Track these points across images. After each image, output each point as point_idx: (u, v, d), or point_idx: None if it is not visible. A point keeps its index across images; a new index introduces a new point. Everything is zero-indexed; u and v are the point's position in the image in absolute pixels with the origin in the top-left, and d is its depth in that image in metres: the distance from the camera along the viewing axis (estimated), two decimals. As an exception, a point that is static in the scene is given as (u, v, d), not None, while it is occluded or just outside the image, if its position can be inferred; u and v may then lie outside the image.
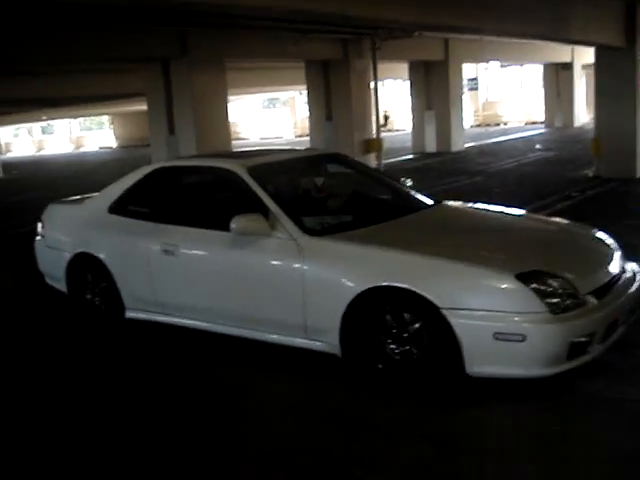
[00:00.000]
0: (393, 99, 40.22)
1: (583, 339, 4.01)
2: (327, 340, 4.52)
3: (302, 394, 4.42)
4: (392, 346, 4.26)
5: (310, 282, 4.52)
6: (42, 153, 53.12)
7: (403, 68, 23.57)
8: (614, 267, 4.57)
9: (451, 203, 5.77)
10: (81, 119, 55.78)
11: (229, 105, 34.64)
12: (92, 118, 55.20)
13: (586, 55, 22.75)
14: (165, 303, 5.44)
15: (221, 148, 13.10)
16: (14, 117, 35.25)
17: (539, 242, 4.78)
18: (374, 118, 18.69)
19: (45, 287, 6.68)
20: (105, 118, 54.27)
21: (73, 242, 6.11)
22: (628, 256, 6.94)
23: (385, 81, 38.04)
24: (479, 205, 5.87)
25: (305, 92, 20.24)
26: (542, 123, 31.68)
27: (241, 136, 45.97)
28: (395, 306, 4.22)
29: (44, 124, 57.27)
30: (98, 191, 6.36)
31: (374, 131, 18.69)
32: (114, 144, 50.48)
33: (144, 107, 16.60)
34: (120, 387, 4.78)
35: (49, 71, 17.86)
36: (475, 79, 36.79)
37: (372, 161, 18.49)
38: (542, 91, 31.61)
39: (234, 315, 5.02)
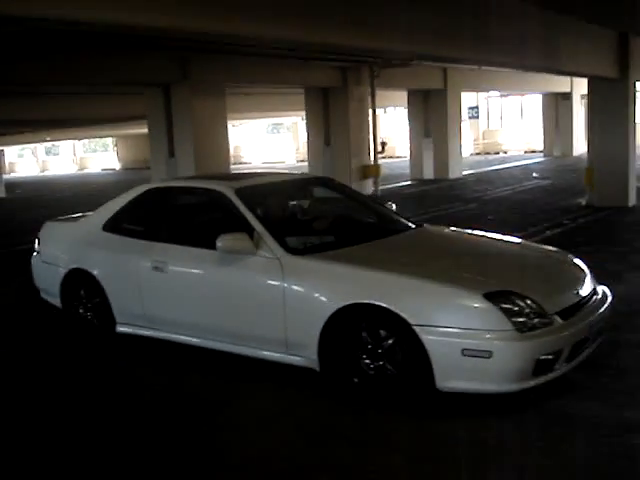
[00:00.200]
0: (394, 126, 40.58)
1: (549, 357, 4.19)
2: (306, 355, 4.70)
3: (281, 406, 4.60)
4: (367, 361, 4.44)
5: (291, 299, 4.72)
6: (45, 174, 53.55)
7: (403, 96, 23.90)
8: (584, 289, 4.75)
9: (431, 227, 5.98)
10: (85, 141, 56.22)
11: (233, 129, 34.84)
12: (97, 140, 55.64)
13: (585, 85, 23.00)
14: (154, 318, 5.63)
15: (219, 171, 13.36)
16: (19, 137, 35.63)
17: (510, 264, 4.98)
18: (372, 144, 18.96)
19: (41, 302, 6.88)
20: (110, 140, 54.69)
21: (68, 258, 6.32)
22: (609, 281, 7.17)
23: (387, 108, 38.59)
24: (458, 229, 6.08)
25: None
26: (541, 152, 31.98)
27: (243, 160, 46.39)
28: (370, 323, 4.41)
29: (48, 145, 57.75)
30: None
31: (372, 157, 18.96)
32: (117, 166, 50.87)
33: (147, 130, 16.92)
34: (102, 399, 4.96)
35: (53, 93, 18.16)
36: (476, 107, 37.17)
37: (369, 187, 18.78)
38: (541, 120, 31.93)
39: (219, 330, 5.21)
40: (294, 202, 5.93)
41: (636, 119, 14.59)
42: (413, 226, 5.80)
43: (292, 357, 4.82)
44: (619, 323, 5.95)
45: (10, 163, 58.57)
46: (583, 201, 14.71)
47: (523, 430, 4.05)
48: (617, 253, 9.17)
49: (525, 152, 35.57)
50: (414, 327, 4.19)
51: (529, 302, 4.24)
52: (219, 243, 4.92)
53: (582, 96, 28.86)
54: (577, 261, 5.23)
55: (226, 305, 5.16)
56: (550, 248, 5.65)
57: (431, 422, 4.20)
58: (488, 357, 4.07)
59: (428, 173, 22.94)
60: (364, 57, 16.13)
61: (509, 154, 36.04)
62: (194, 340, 5.40)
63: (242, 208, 5.15)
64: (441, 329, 4.16)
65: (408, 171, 24.16)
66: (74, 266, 6.19)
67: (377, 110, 34.20)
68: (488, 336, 4.09)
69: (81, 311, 6.21)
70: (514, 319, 4.13)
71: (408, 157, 24.59)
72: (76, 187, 30.69)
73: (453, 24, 9.18)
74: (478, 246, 5.56)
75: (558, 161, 27.67)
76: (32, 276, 6.95)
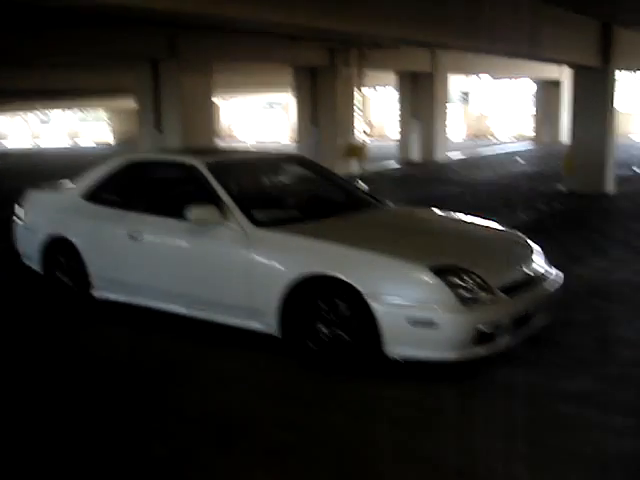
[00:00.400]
0: (384, 106, 40.68)
1: (490, 329, 4.49)
2: (268, 322, 4.99)
3: (243, 369, 4.91)
4: (323, 328, 4.73)
5: (254, 268, 5.01)
6: (37, 143, 53.28)
7: (392, 76, 24.06)
8: (531, 269, 5.05)
9: (395, 205, 6.27)
10: (77, 111, 56.01)
11: (227, 106, 35.01)
12: (89, 110, 55.45)
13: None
14: (128, 284, 5.91)
15: (205, 145, 13.58)
16: (11, 106, 35.63)
17: (461, 242, 5.27)
18: (359, 125, 19.20)
19: (22, 266, 7.15)
20: (102, 112, 54.51)
21: (48, 225, 6.58)
22: (571, 264, 7.53)
23: (378, 88, 38.66)
24: (421, 209, 6.38)
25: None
26: (530, 138, 32.26)
27: (235, 137, 46.40)
28: (326, 292, 4.70)
29: (42, 115, 57.59)
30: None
31: (358, 137, 19.20)
32: (111, 140, 50.74)
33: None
34: (73, 355, 5.26)
35: (42, 64, 18.29)
36: (467, 92, 37.35)
37: (354, 166, 19.02)
38: (531, 107, 32.18)
39: (189, 297, 5.50)
40: (265, 178, 6.18)
41: (617, 108, 14.87)
42: (378, 204, 6.09)
43: (255, 323, 5.11)
44: (573, 303, 6.29)
45: (0, 132, 58.41)
46: (563, 188, 15.00)
47: (461, 396, 4.36)
48: (585, 238, 9.49)
49: (515, 138, 35.85)
50: (365, 297, 4.48)
51: (474, 277, 4.54)
52: (189, 214, 5.20)
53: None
54: (529, 243, 5.53)
55: (195, 273, 5.44)
56: (505, 229, 5.94)
57: (378, 386, 4.51)
58: (432, 327, 4.37)
59: (414, 155, 23.19)
60: (351, 39, 16.31)
61: (498, 139, 36.32)
62: (166, 305, 5.68)
63: (212, 181, 5.42)
64: (390, 299, 4.45)
65: (395, 152, 24.42)
66: (54, 233, 6.45)
67: (367, 89, 34.38)
68: (432, 307, 4.39)
69: (60, 276, 6.48)
70: (458, 292, 4.42)
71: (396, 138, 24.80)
72: (69, 158, 30.74)
73: (438, 10, 9.41)
74: (434, 224, 5.86)
75: (546, 148, 27.93)
76: (14, 241, 7.21)
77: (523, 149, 28.02)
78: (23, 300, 6.87)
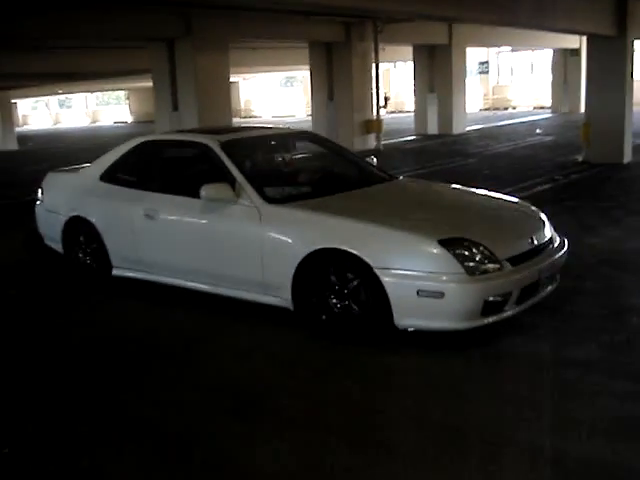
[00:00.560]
0: (404, 81, 40.51)
1: (498, 299, 4.60)
2: (282, 295, 5.13)
3: (257, 341, 5.06)
4: (334, 301, 4.86)
5: (267, 244, 5.14)
6: (58, 126, 53.91)
7: (410, 51, 23.96)
8: (538, 239, 5.13)
9: (406, 180, 6.35)
10: (99, 94, 56.45)
11: (245, 83, 35.15)
12: (110, 93, 55.85)
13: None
14: (146, 262, 6.08)
15: (221, 124, 13.69)
16: (30, 90, 35.92)
17: (470, 214, 5.36)
18: (375, 99, 19.19)
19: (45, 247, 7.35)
20: (122, 93, 54.87)
21: (68, 206, 6.75)
22: (583, 234, 7.59)
23: (397, 63, 38.49)
24: (432, 182, 6.46)
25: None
26: (549, 108, 31.99)
27: (254, 114, 46.54)
28: (337, 266, 4.82)
29: (62, 98, 58.05)
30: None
31: (375, 112, 19.20)
32: (129, 119, 51.15)
33: (153, 83, 17.20)
34: (96, 329, 5.44)
35: (60, 47, 18.45)
36: (486, 62, 37.08)
37: (371, 141, 19.06)
38: (550, 76, 31.86)
39: (205, 273, 5.65)
40: (277, 155, 6.29)
41: (634, 77, 14.74)
42: (388, 178, 6.18)
43: (269, 297, 5.26)
44: (583, 273, 6.38)
45: (23, 116, 58.99)
46: (580, 158, 14.95)
47: (468, 364, 4.48)
48: (599, 208, 9.51)
49: (534, 108, 35.57)
50: (375, 270, 4.60)
51: (481, 248, 4.63)
52: (203, 192, 5.33)
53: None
54: (536, 213, 5.60)
55: (210, 250, 5.59)
56: (514, 200, 6.00)
57: (387, 355, 4.64)
58: (440, 297, 4.48)
59: (432, 128, 23.16)
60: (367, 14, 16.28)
61: (518, 110, 36.07)
62: (182, 282, 5.85)
63: (226, 160, 5.55)
64: (399, 272, 4.56)
65: (413, 126, 24.39)
66: (74, 214, 6.63)
67: (387, 64, 34.18)
68: (441, 278, 4.50)
69: (80, 255, 6.66)
70: (466, 263, 4.53)
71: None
72: (87, 140, 31.08)
73: None
74: (444, 197, 5.95)
75: (564, 117, 27.71)
76: (36, 223, 7.41)
77: (542, 119, 27.82)
78: (46, 280, 7.06)
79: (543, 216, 5.57)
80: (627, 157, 14.43)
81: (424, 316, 4.60)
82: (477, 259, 4.60)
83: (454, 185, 6.37)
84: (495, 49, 36.76)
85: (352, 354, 4.69)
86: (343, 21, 17.71)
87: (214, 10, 13.46)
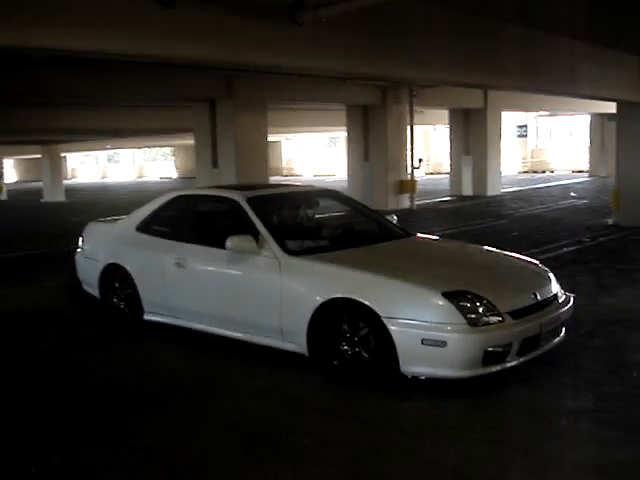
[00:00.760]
0: (443, 144, 41.06)
1: (498, 349, 4.88)
2: (298, 342, 5.47)
3: (274, 383, 5.39)
4: (345, 347, 5.18)
5: (286, 293, 5.51)
6: (105, 180, 55.54)
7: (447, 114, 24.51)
8: (542, 294, 5.40)
9: (422, 236, 6.71)
10: (146, 150, 58.18)
11: (287, 142, 36.12)
12: (157, 149, 57.53)
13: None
14: (175, 308, 6.49)
15: (259, 181, 14.24)
16: (81, 145, 37.33)
17: (476, 270, 5.67)
18: (409, 161, 19.69)
19: (83, 293, 7.84)
20: (169, 150, 56.49)
21: (106, 254, 7.24)
22: (601, 294, 7.81)
23: (437, 126, 39.12)
24: (447, 239, 6.81)
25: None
26: (587, 171, 32.15)
27: (295, 172, 47.44)
28: (349, 315, 5.16)
29: (110, 153, 59.95)
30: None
31: (409, 173, 19.68)
32: (174, 175, 52.49)
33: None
34: (124, 369, 5.83)
35: (111, 105, 19.41)
36: (524, 126, 37.42)
37: (406, 201, 19.47)
38: (588, 140, 32.13)
39: (228, 319, 6.03)
40: (300, 211, 6.71)
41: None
42: (405, 235, 6.55)
43: (287, 344, 5.60)
44: (594, 330, 6.61)
45: (72, 169, 60.94)
46: (610, 221, 15.11)
47: (470, 411, 4.74)
48: (621, 270, 9.68)
49: (572, 172, 35.72)
50: (383, 319, 4.92)
51: (484, 301, 4.93)
52: (228, 243, 5.75)
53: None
54: (543, 270, 5.89)
55: (234, 298, 5.98)
56: (522, 258, 6.29)
57: (394, 400, 4.93)
58: (443, 346, 4.77)
59: (467, 190, 23.51)
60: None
61: (556, 173, 36.25)
62: (207, 328, 6.23)
63: (251, 214, 5.98)
64: (406, 321, 4.88)
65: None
66: (111, 261, 7.10)
67: (426, 127, 34.75)
68: (444, 328, 4.80)
69: (115, 300, 7.11)
70: (468, 315, 4.83)
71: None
72: (131, 194, 32.07)
73: (487, 56, 9.97)
74: (454, 254, 6.29)
75: (601, 181, 27.84)
76: (76, 270, 7.90)
77: (578, 183, 27.99)
78: (84, 322, 7.51)
79: (550, 274, 5.84)
80: (656, 221, 14.55)
81: (428, 364, 4.88)
82: (479, 311, 4.89)
83: (466, 244, 6.69)
84: (534, 113, 37.15)
85: (360, 398, 4.98)
86: (379, 85, 18.35)
87: (255, 74, 14.13)
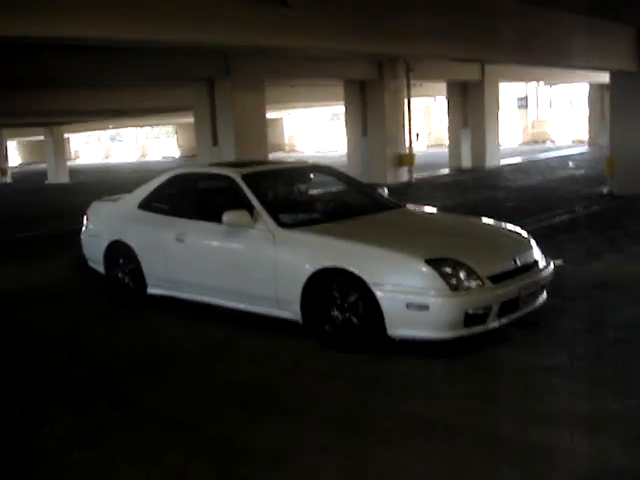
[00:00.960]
0: (444, 116, 41.11)
1: (479, 311, 5.20)
2: (293, 310, 5.80)
3: (270, 348, 5.74)
4: (336, 313, 5.52)
5: (280, 264, 5.84)
6: (108, 160, 55.81)
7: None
8: (522, 260, 5.71)
9: (411, 207, 7.02)
10: (148, 128, 58.37)
11: (289, 118, 36.21)
12: (159, 127, 57.72)
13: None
14: (176, 281, 6.83)
15: (258, 158, 14.51)
16: (83, 125, 37.58)
17: (458, 237, 5.97)
18: (407, 135, 19.93)
19: (89, 269, 8.19)
20: (171, 128, 56.67)
21: (110, 232, 7.57)
22: (587, 259, 8.12)
23: (437, 98, 39.17)
24: (435, 210, 7.13)
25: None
26: (587, 141, 32.32)
27: (297, 149, 47.61)
28: (339, 283, 5.49)
29: (113, 132, 60.18)
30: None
31: (407, 146, 19.94)
32: (177, 153, 52.73)
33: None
34: (128, 338, 6.20)
35: (111, 85, 19.64)
36: (525, 97, 37.54)
37: (404, 174, 19.74)
38: (587, 110, 32.25)
39: (227, 290, 6.36)
40: (293, 185, 7.02)
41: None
42: (394, 206, 6.86)
43: (282, 312, 5.94)
44: (577, 294, 6.93)
45: (75, 150, 61.23)
46: (605, 190, 15.35)
47: (450, 369, 5.07)
48: (609, 236, 9.97)
49: (573, 142, 35.87)
50: (370, 286, 5.25)
51: (465, 267, 5.25)
52: (224, 218, 6.07)
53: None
54: (524, 237, 6.19)
55: (231, 269, 6.30)
56: (505, 226, 6.58)
57: (382, 362, 5.27)
58: (426, 310, 5.11)
59: (466, 162, 23.75)
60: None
61: (556, 144, 36.40)
62: (207, 299, 6.57)
63: (246, 190, 6.29)
64: (391, 287, 5.20)
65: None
66: (115, 238, 7.43)
67: (427, 100, 34.81)
68: (426, 293, 5.12)
69: (120, 276, 7.45)
70: (449, 280, 5.14)
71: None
72: (134, 173, 32.35)
73: (486, 31, 10.19)
74: (439, 223, 6.62)
75: (600, 151, 27.91)
76: (82, 247, 8.25)
77: (577, 153, 28.17)
78: (90, 296, 7.87)
79: (531, 241, 6.15)
80: (649, 189, 14.80)
81: (413, 327, 5.22)
82: (460, 276, 5.21)
83: (452, 214, 7.01)
84: (534, 84, 37.22)
85: (351, 360, 5.31)
86: (376, 60, 18.53)
87: (251, 52, 14.35)
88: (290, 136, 50.76)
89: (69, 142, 51.54)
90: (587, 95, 32.24)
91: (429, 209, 7.18)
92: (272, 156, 28.13)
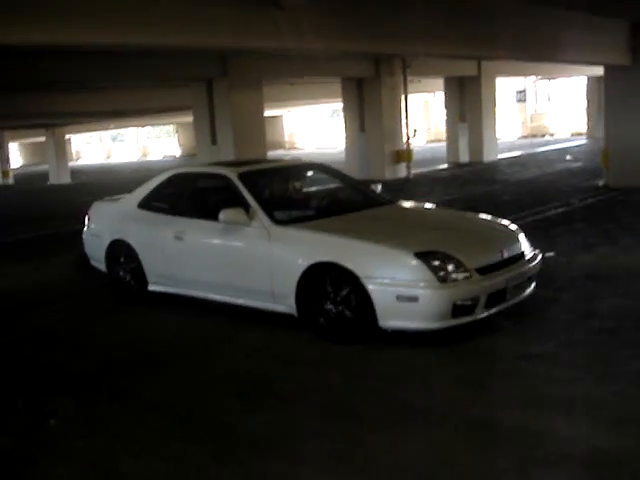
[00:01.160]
0: (443, 111, 41.25)
1: (467, 302, 5.39)
2: (288, 304, 5.99)
3: (267, 341, 5.94)
4: (330, 306, 5.70)
5: (275, 259, 6.03)
6: (110, 161, 56.04)
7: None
8: (510, 252, 5.90)
9: (403, 203, 7.20)
10: (149, 128, 58.57)
11: (289, 115, 36.35)
12: (160, 127, 57.92)
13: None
14: (176, 278, 7.02)
15: (257, 156, 14.70)
16: (85, 126, 37.79)
17: (448, 231, 6.16)
18: (405, 131, 20.11)
19: (91, 268, 8.39)
20: (172, 127, 56.87)
21: (111, 231, 7.76)
22: (579, 252, 8.29)
23: (436, 93, 39.31)
24: (426, 205, 7.32)
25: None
26: (585, 134, 32.46)
27: (297, 146, 47.77)
28: (332, 277, 5.68)
29: (114, 132, 60.41)
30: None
31: (404, 142, 20.13)
32: (178, 153, 52.94)
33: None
34: (136, 332, 6.39)
35: (112, 87, 19.84)
36: (523, 91, 37.66)
37: (402, 170, 19.92)
38: (585, 103, 32.38)
39: (224, 286, 6.55)
40: (288, 183, 7.21)
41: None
42: (386, 202, 7.04)
43: (278, 305, 6.12)
44: (566, 285, 7.11)
45: (77, 151, 61.47)
46: (600, 182, 15.51)
47: (439, 358, 5.26)
48: (602, 228, 10.14)
49: (572, 135, 35.99)
50: (362, 279, 5.43)
51: (453, 260, 5.43)
52: (221, 216, 6.26)
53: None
54: (512, 230, 6.37)
55: (228, 265, 6.49)
56: (494, 220, 6.75)
57: (373, 352, 5.45)
58: (415, 301, 5.29)
59: (464, 157, 23.93)
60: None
61: (555, 137, 36.54)
62: (206, 294, 6.76)
63: (242, 188, 6.47)
64: (382, 280, 5.39)
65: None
66: (115, 237, 7.62)
67: (426, 95, 34.94)
68: (416, 285, 5.31)
69: (121, 274, 7.64)
70: (438, 272, 5.33)
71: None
72: (135, 173, 32.53)
73: (485, 29, 10.37)
74: (429, 218, 6.81)
75: (599, 143, 28.07)
76: (84, 247, 8.45)
77: (576, 146, 28.30)
78: (93, 294, 8.08)
79: (519, 234, 6.32)
80: (644, 181, 14.95)
81: (403, 318, 5.40)
82: (448, 269, 5.39)
83: (443, 208, 7.20)
84: (532, 77, 37.34)
85: (344, 351, 5.51)
86: (373, 57, 18.70)
87: (249, 53, 14.53)
88: (290, 133, 50.93)
89: (70, 143, 51.74)
90: (585, 88, 32.33)
91: (420, 205, 7.37)
92: (272, 154, 28.41)
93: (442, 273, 5.35)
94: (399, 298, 5.34)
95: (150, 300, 7.36)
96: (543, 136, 37.62)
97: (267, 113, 17.29)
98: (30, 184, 33.95)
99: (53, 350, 6.21)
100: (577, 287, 7.05)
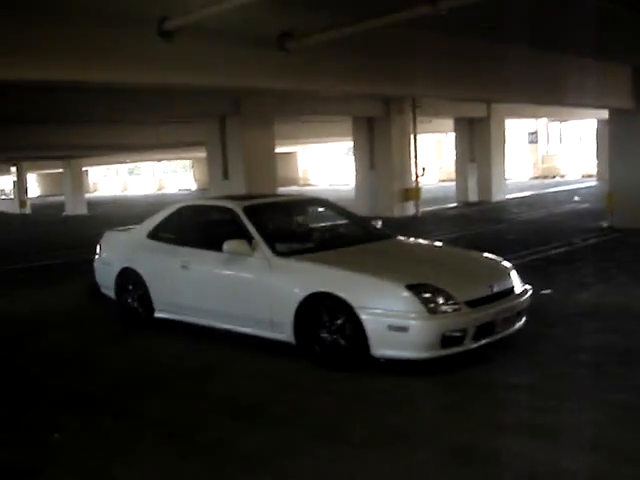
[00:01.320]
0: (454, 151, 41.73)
1: (456, 334, 5.64)
2: (286, 332, 6.26)
3: (263, 367, 6.20)
4: (325, 335, 5.97)
5: (275, 289, 6.32)
6: (126, 193, 56.79)
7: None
8: (499, 286, 6.16)
9: (400, 238, 7.50)
10: (166, 162, 59.41)
11: (304, 152, 36.79)
12: (176, 161, 58.75)
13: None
14: (181, 306, 7.32)
15: (267, 191, 15.05)
16: (102, 159, 38.48)
17: (440, 265, 6.44)
18: (414, 169, 20.49)
19: (101, 295, 8.71)
20: (188, 162, 57.67)
21: (120, 260, 8.10)
22: (575, 290, 8.53)
23: (448, 134, 39.80)
24: (421, 240, 7.64)
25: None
26: (595, 175, 32.71)
27: (310, 182, 48.30)
28: (328, 307, 5.95)
29: (131, 166, 61.32)
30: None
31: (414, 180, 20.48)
32: (193, 186, 53.60)
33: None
34: (135, 358, 6.68)
35: (129, 122, 20.39)
36: (535, 132, 38.06)
37: (411, 208, 20.24)
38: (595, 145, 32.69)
39: (227, 314, 6.84)
40: (291, 217, 7.55)
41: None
42: (384, 237, 7.35)
43: (277, 334, 6.40)
44: (557, 321, 7.35)
45: (94, 183, 62.33)
46: (605, 223, 15.72)
47: (427, 386, 5.49)
48: (600, 268, 10.35)
49: (582, 176, 36.26)
50: (355, 309, 5.71)
51: (443, 292, 5.70)
52: (225, 246, 6.58)
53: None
54: (503, 266, 6.64)
55: (231, 295, 6.79)
56: (486, 255, 7.02)
57: (365, 379, 5.70)
58: (406, 331, 5.56)
59: (473, 196, 24.23)
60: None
61: (566, 178, 36.82)
62: (209, 322, 7.05)
63: (246, 221, 6.80)
64: (374, 310, 5.66)
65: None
66: (125, 265, 7.95)
67: (439, 136, 35.42)
68: (406, 316, 5.58)
69: (129, 301, 7.95)
70: (428, 304, 5.60)
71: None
72: (150, 205, 32.97)
73: (495, 74, 10.78)
74: (424, 252, 7.12)
75: (608, 185, 28.34)
76: (94, 275, 8.78)
77: (585, 187, 28.56)
78: (102, 320, 8.39)
79: (510, 270, 6.58)
80: (647, 224, 15.16)
81: (394, 347, 5.66)
82: (438, 301, 5.66)
83: (438, 244, 7.50)
84: (544, 119, 37.77)
85: (338, 378, 5.75)
86: (383, 97, 19.16)
87: (262, 92, 14.98)
88: (304, 170, 51.55)
89: (88, 175, 52.55)
90: (595, 130, 32.68)
91: (417, 240, 7.67)
92: (286, 189, 28.85)
93: (432, 305, 5.62)
94: (390, 328, 5.60)
95: (157, 326, 7.65)
96: (554, 177, 37.92)
97: (281, 149, 17.72)
98: (46, 214, 34.56)
99: (63, 371, 6.50)
100: (568, 323, 7.27)
